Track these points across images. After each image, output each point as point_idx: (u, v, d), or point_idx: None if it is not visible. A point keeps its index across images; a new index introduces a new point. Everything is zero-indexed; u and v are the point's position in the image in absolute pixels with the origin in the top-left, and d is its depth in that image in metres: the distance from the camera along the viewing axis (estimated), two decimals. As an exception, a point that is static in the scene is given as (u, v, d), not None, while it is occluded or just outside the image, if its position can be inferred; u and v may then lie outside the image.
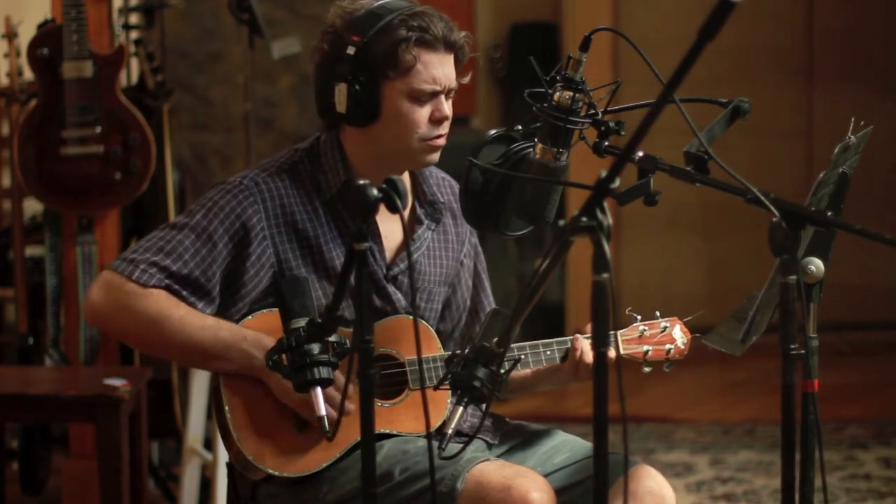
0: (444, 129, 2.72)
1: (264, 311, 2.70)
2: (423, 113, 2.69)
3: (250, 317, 2.70)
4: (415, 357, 2.66)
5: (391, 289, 2.78)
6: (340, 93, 2.66)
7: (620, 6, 6.53)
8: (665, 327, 2.84)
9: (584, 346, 2.73)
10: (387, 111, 2.68)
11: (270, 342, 2.57)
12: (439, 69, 2.67)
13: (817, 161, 6.51)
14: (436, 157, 2.76)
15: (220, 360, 2.66)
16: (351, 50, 2.64)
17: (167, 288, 2.67)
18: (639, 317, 2.83)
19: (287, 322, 2.53)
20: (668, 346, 2.83)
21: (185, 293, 2.67)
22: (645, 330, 2.83)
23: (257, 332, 2.65)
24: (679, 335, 2.84)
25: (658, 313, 2.85)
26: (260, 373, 2.64)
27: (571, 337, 2.76)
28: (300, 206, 2.74)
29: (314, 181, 2.76)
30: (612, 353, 2.72)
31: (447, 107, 2.71)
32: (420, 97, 2.67)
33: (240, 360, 2.64)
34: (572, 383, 2.79)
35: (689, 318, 2.88)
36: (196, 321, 2.66)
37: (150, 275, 2.66)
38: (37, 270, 4.57)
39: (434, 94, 2.68)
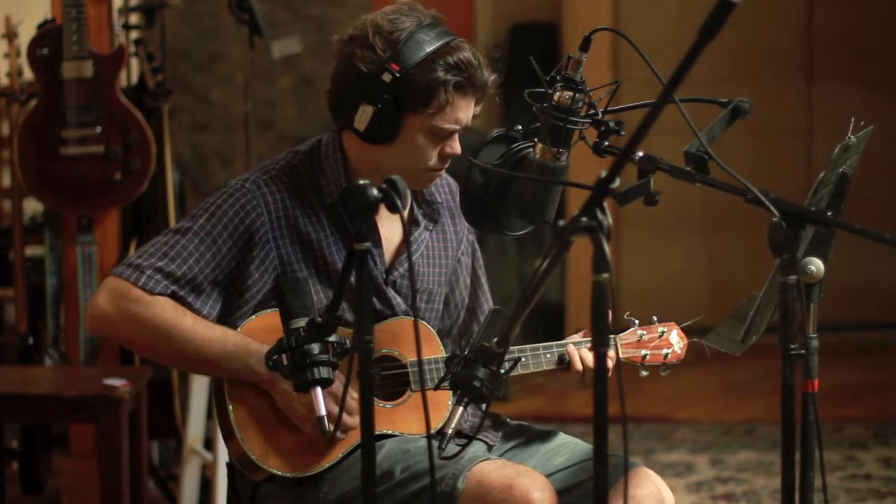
0: (449, 162, 2.73)
1: (267, 311, 2.70)
2: (436, 149, 2.69)
3: (253, 317, 2.70)
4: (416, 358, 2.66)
5: (391, 293, 2.78)
6: (364, 113, 2.65)
7: (620, 6, 6.53)
8: (662, 332, 2.84)
9: (584, 356, 2.73)
10: (402, 139, 2.68)
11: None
12: (464, 111, 2.68)
13: (817, 161, 6.51)
14: (432, 184, 2.79)
15: (225, 371, 2.66)
16: (387, 77, 2.63)
17: (173, 295, 2.67)
18: (636, 321, 2.84)
19: (287, 322, 2.53)
20: (665, 351, 2.83)
21: (190, 299, 2.67)
22: (643, 334, 2.83)
23: (262, 344, 2.64)
24: (676, 340, 2.85)
25: (655, 318, 2.85)
26: (264, 386, 2.65)
27: (566, 349, 2.76)
28: (301, 210, 2.73)
29: (315, 184, 2.76)
30: (611, 355, 2.73)
31: (458, 145, 2.72)
32: (439, 134, 2.68)
33: (244, 374, 2.65)
34: (578, 389, 2.79)
35: (686, 322, 2.88)
36: (203, 332, 2.66)
37: (155, 281, 2.66)
38: (37, 270, 4.57)
39: (451, 133, 2.69)
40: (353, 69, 2.66)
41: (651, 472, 2.70)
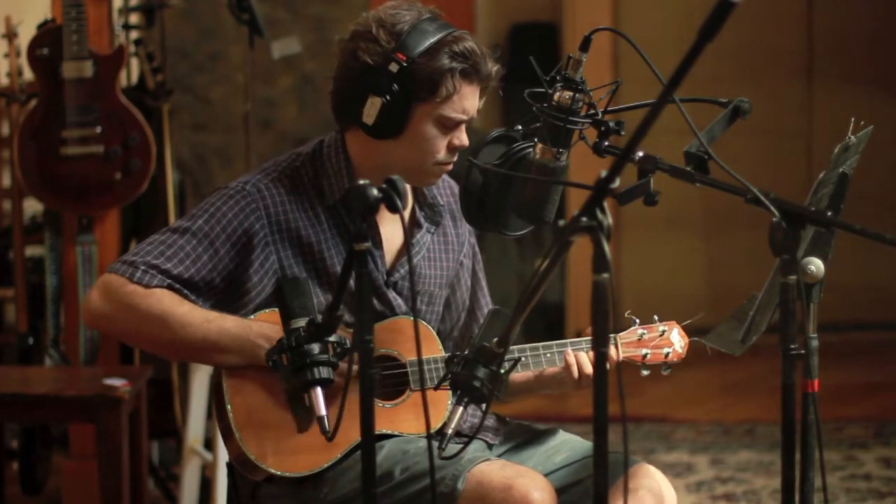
0: (456, 156, 2.73)
1: (265, 310, 2.70)
2: (445, 140, 2.70)
3: (251, 316, 2.70)
4: (416, 358, 2.66)
5: (391, 294, 2.78)
6: (373, 106, 2.66)
7: (620, 6, 6.54)
8: (663, 331, 2.84)
9: (580, 359, 2.73)
10: (410, 131, 2.68)
11: (277, 333, 2.57)
12: (471, 100, 2.69)
13: (817, 161, 6.51)
14: (439, 180, 2.78)
15: (227, 352, 2.65)
16: (394, 67, 2.63)
17: (169, 287, 2.67)
18: (637, 320, 2.83)
19: (287, 322, 2.53)
20: (666, 350, 2.83)
21: (185, 292, 2.67)
22: (643, 333, 2.83)
23: (262, 323, 2.64)
24: (677, 339, 2.84)
25: (656, 317, 2.85)
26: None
27: (564, 351, 2.76)
28: (302, 213, 2.73)
29: (317, 186, 2.75)
30: (612, 353, 2.73)
31: (465, 136, 2.72)
32: (447, 124, 2.68)
33: (246, 351, 2.64)
34: (575, 390, 2.79)
35: (687, 321, 2.88)
36: (201, 314, 2.65)
37: (151, 276, 2.66)
38: (37, 270, 4.58)
39: (459, 123, 2.69)
40: (358, 63, 2.66)
41: (651, 469, 2.70)
